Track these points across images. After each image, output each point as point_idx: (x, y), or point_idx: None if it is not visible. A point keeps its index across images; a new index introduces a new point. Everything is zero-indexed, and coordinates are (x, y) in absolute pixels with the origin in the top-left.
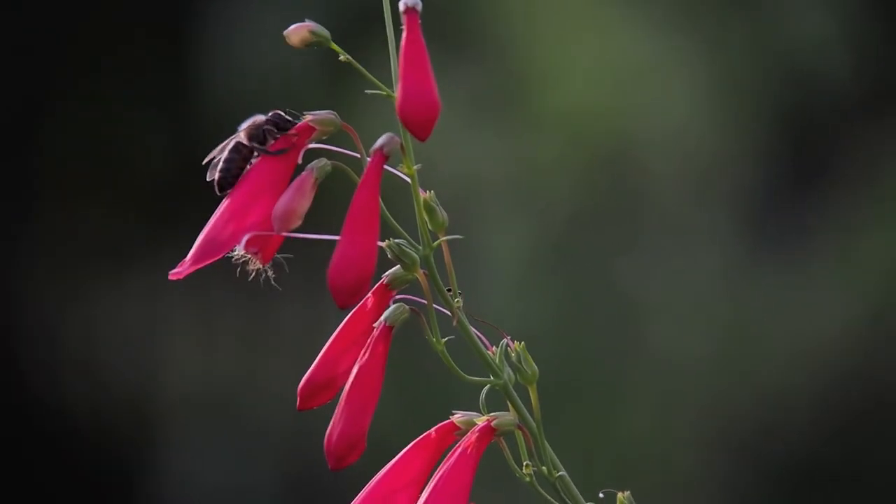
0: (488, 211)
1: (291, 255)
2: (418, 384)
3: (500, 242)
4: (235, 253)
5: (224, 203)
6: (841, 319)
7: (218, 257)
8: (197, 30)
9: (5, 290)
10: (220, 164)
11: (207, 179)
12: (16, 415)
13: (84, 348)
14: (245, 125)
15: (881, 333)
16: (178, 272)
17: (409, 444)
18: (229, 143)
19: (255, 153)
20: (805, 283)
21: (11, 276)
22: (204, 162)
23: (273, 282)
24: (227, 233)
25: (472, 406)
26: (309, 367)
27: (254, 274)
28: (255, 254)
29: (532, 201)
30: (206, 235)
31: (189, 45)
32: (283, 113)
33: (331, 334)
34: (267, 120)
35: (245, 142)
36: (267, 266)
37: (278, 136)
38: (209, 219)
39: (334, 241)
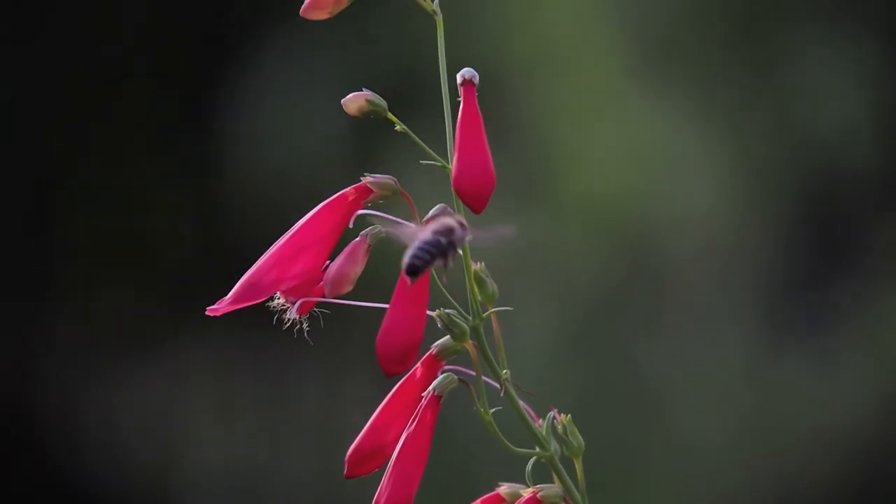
0: (511, 293)
1: (328, 311)
2: (450, 452)
3: (522, 325)
4: (275, 301)
5: (270, 250)
6: (865, 407)
7: (257, 301)
8: (221, 113)
9: (28, 368)
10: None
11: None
12: (38, 493)
13: (106, 428)
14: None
15: None
16: (215, 309)
17: None
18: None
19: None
20: (828, 370)
21: (34, 354)
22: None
23: (306, 335)
24: (269, 278)
25: (504, 475)
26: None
27: (289, 323)
28: (294, 304)
29: (554, 284)
30: (249, 279)
31: (214, 126)
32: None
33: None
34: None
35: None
36: (303, 317)
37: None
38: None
39: (376, 308)
